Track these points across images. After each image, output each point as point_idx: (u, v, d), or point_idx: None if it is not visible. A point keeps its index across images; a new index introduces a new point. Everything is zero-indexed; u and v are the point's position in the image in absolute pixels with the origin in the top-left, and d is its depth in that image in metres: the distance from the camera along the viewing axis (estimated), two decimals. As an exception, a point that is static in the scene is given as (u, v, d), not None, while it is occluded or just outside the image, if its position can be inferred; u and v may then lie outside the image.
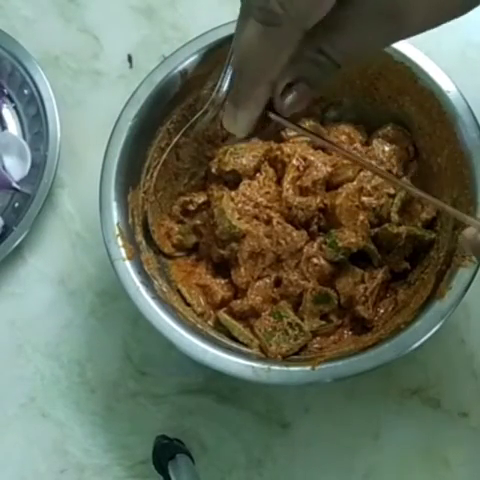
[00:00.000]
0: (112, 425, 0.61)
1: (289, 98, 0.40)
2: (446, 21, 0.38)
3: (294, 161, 0.58)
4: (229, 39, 0.54)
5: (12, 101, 0.69)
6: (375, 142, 0.60)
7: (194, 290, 0.59)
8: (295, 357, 0.55)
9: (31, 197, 0.64)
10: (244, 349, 0.56)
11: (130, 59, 0.70)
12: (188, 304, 0.58)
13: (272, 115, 0.43)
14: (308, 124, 0.61)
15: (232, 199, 0.57)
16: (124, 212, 0.56)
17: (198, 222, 0.60)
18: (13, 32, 0.69)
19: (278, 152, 0.59)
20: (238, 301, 0.57)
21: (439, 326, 0.50)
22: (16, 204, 0.66)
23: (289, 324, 0.56)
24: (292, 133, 0.61)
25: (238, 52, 0.39)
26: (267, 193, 0.58)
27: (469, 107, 0.54)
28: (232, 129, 0.43)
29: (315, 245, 0.57)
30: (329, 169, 0.58)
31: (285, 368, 0.51)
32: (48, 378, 0.63)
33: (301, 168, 0.58)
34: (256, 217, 0.58)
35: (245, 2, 0.38)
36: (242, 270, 0.57)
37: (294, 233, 0.57)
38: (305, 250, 0.57)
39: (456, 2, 0.38)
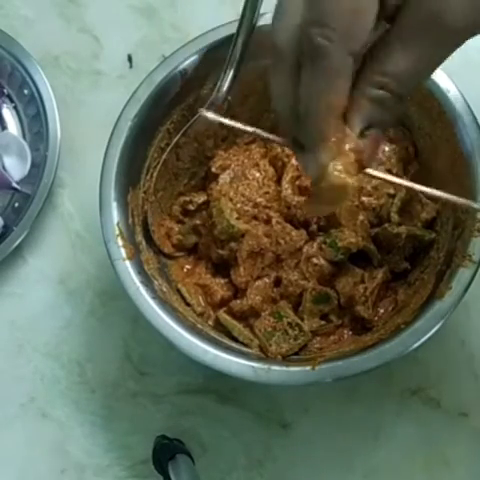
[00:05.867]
0: (112, 425, 0.61)
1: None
2: None
3: (293, 161, 0.58)
4: (229, 39, 0.54)
5: (12, 101, 0.69)
6: (375, 142, 0.60)
7: (194, 290, 0.59)
8: (295, 357, 0.55)
9: (31, 197, 0.64)
10: (244, 349, 0.56)
11: (130, 59, 0.70)
12: (188, 304, 0.58)
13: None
14: None
15: (231, 199, 0.57)
16: (124, 212, 0.56)
17: (198, 222, 0.60)
18: (13, 32, 0.69)
19: (279, 150, 0.59)
20: (238, 301, 0.57)
21: (439, 326, 0.50)
22: (16, 204, 0.66)
23: (289, 324, 0.56)
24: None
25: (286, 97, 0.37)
26: (266, 193, 0.58)
27: (469, 107, 0.54)
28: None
29: (315, 245, 0.57)
30: (329, 169, 0.58)
31: (285, 368, 0.51)
32: (48, 378, 0.63)
33: (300, 168, 0.58)
34: (255, 217, 0.58)
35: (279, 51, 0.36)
36: (241, 270, 0.57)
37: (293, 232, 0.57)
38: (305, 250, 0.57)
39: None
